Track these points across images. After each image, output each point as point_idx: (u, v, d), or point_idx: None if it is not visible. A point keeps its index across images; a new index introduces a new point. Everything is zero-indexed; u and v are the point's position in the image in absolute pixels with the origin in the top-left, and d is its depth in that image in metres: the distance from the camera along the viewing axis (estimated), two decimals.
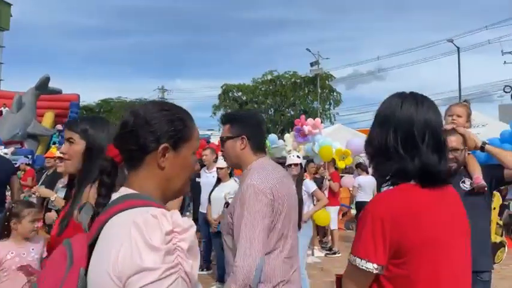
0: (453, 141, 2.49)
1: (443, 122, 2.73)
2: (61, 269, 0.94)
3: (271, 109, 37.52)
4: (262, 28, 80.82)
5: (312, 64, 31.87)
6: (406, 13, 72.79)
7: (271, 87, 36.91)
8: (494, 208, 6.97)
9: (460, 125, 2.64)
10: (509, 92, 22.36)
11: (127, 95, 43.54)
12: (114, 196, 1.01)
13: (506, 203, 6.56)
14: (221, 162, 5.13)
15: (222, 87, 38.37)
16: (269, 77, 37.03)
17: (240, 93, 38.42)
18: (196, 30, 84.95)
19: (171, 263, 0.85)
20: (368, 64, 64.58)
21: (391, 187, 1.30)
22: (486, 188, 2.49)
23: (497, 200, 7.00)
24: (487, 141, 2.61)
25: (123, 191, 1.02)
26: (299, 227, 4.94)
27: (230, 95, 38.19)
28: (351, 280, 1.27)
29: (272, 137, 12.05)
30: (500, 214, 6.68)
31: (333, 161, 8.18)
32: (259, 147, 1.97)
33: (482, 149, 2.55)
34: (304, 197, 5.00)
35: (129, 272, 0.84)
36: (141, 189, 1.01)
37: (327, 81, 34.58)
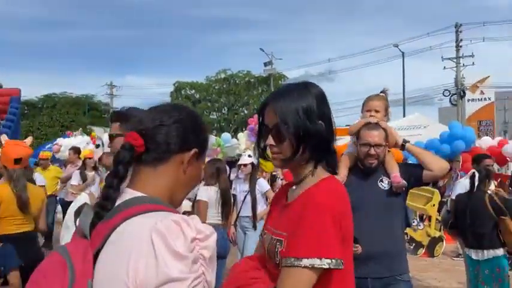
0: (376, 136, 2.34)
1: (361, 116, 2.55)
2: (62, 282, 0.83)
3: (225, 108, 37.47)
4: (216, 26, 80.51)
5: (265, 64, 32.19)
6: (357, 16, 75.68)
7: (224, 86, 36.84)
8: (434, 205, 7.44)
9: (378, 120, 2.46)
10: (448, 96, 23.86)
11: (72, 91, 41.54)
12: (119, 199, 0.92)
13: (445, 199, 7.01)
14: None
15: (174, 84, 37.74)
16: (223, 75, 36.94)
17: (193, 91, 37.98)
18: (149, 26, 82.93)
19: (197, 272, 0.80)
20: (319, 66, 66.48)
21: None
22: (404, 188, 2.37)
23: (436, 197, 7.47)
24: (408, 140, 2.51)
25: (130, 193, 0.93)
26: (254, 227, 5.08)
27: (183, 92, 37.62)
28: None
29: (225, 136, 12.05)
30: (439, 211, 7.12)
31: None
32: None
33: (402, 147, 2.45)
34: (258, 196, 5.11)
35: (154, 282, 0.78)
36: (153, 189, 0.94)
37: (280, 82, 35.10)
